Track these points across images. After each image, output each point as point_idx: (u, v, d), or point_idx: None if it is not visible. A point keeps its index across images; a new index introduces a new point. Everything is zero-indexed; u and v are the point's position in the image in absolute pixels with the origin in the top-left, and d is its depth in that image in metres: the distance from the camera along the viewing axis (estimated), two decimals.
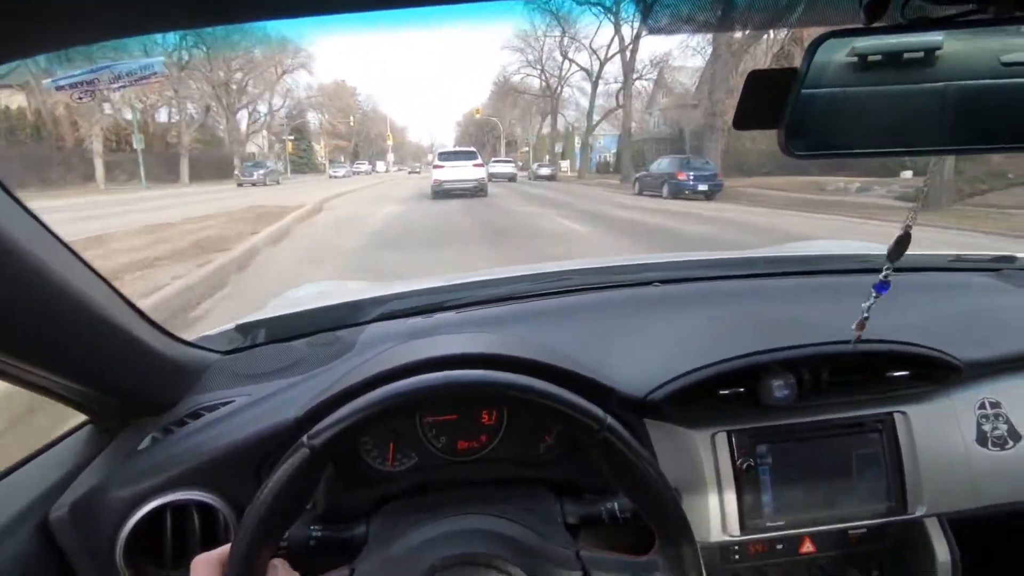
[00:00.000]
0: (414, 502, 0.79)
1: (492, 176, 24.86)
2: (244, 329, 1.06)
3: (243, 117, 39.54)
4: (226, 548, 0.55)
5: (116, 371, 0.76)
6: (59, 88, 0.42)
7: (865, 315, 0.77)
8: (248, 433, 0.78)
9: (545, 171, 32.01)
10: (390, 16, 0.43)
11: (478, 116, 46.16)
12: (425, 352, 0.81)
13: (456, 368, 0.63)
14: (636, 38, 26.77)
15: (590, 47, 32.62)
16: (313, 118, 51.34)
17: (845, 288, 1.16)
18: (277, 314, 1.20)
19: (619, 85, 29.88)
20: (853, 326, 0.79)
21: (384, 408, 0.57)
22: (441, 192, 15.33)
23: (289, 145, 45.70)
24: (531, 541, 0.67)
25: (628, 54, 27.69)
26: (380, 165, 56.52)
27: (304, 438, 0.55)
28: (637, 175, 18.44)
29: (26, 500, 0.71)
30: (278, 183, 26.07)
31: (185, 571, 0.74)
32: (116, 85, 0.43)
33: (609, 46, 31.13)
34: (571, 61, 36.01)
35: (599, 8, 27.87)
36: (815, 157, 0.51)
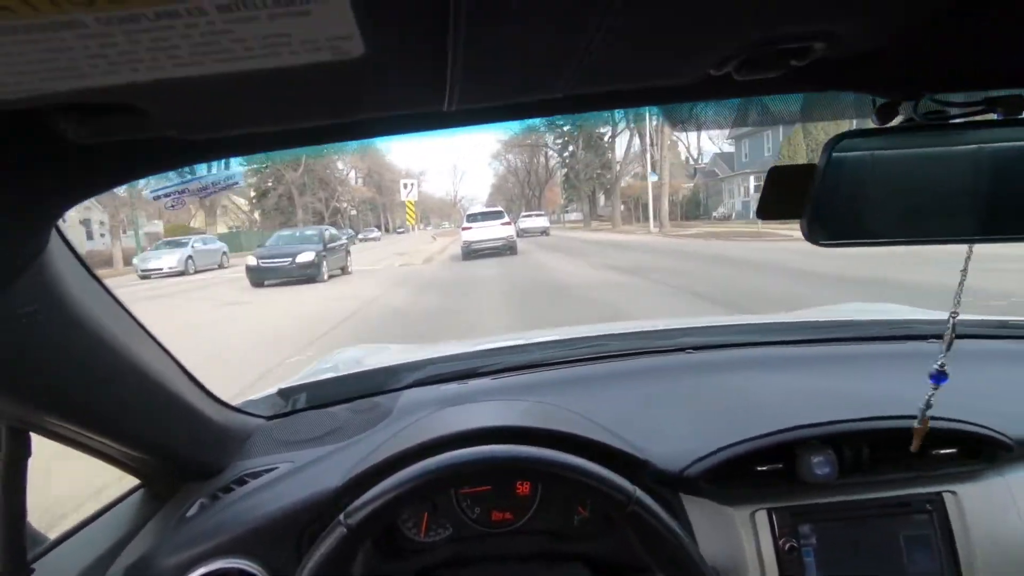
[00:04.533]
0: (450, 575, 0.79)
1: (523, 232, 24.75)
2: (286, 394, 1.11)
3: None
4: None
5: (169, 436, 0.80)
6: (156, 197, 0.49)
7: (924, 408, 0.75)
8: (290, 502, 0.80)
9: (536, 223, 25.44)
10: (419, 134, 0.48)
11: None
12: (456, 425, 0.83)
13: (489, 441, 0.65)
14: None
15: None
16: None
17: (883, 356, 1.14)
18: (317, 379, 1.25)
19: None
20: (916, 423, 0.76)
21: (413, 487, 0.59)
22: (471, 253, 15.51)
23: None
24: None
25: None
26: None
27: (341, 516, 0.58)
28: None
29: (82, 566, 0.74)
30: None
31: None
32: (202, 193, 0.50)
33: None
34: None
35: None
36: (838, 246, 0.54)
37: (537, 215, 28.92)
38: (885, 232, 0.53)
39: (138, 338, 0.68)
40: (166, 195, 0.50)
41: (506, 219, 16.57)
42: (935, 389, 0.72)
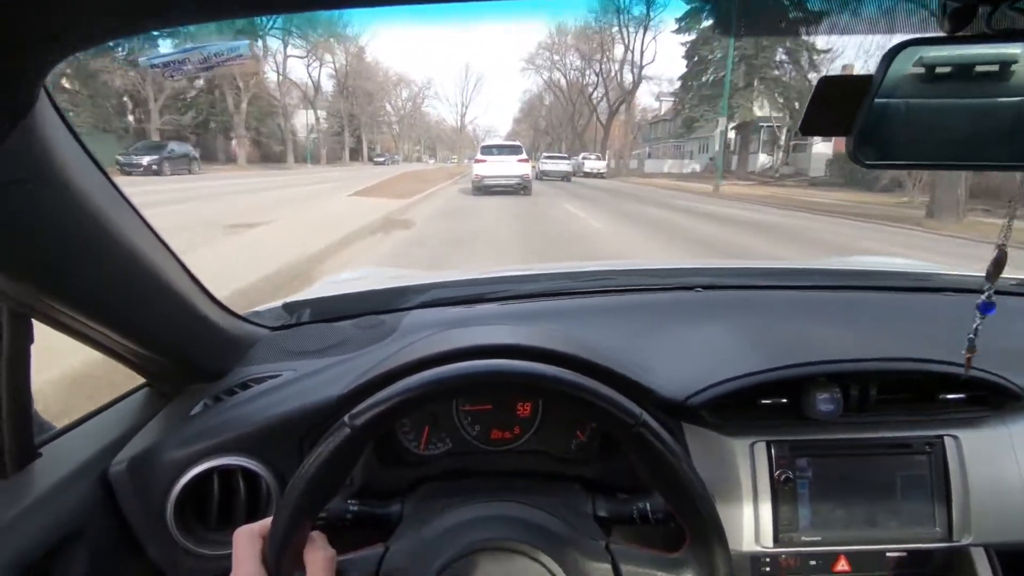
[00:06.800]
0: (448, 486, 0.80)
1: (543, 174, 23.05)
2: (292, 307, 1.10)
3: None
4: (267, 521, 0.57)
5: (177, 338, 0.80)
6: (152, 67, 0.45)
7: (972, 336, 0.69)
8: (293, 407, 0.81)
9: (558, 166, 24.19)
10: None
11: None
12: (467, 340, 0.83)
13: (496, 358, 0.64)
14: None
15: None
16: None
17: (898, 305, 1.12)
18: (324, 295, 1.24)
19: None
20: (963, 351, 0.70)
21: (424, 392, 0.58)
22: (483, 188, 14.71)
23: None
24: (561, 531, 0.67)
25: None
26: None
27: (346, 418, 0.57)
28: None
29: (89, 453, 0.76)
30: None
31: (229, 531, 0.78)
32: (204, 66, 0.46)
33: None
34: None
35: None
36: (885, 167, 0.50)
37: (559, 158, 26.52)
38: (939, 154, 0.49)
39: (141, 233, 0.66)
40: (164, 64, 0.46)
41: (523, 155, 15.50)
42: (982, 318, 0.68)
